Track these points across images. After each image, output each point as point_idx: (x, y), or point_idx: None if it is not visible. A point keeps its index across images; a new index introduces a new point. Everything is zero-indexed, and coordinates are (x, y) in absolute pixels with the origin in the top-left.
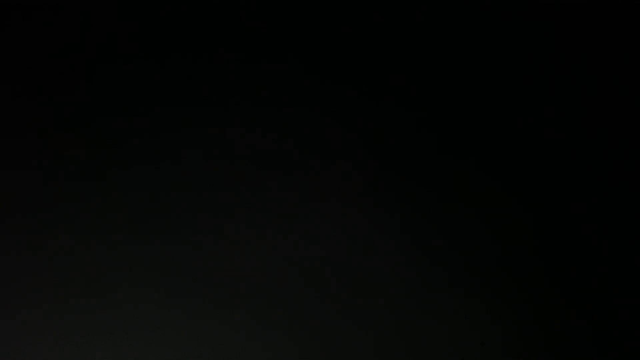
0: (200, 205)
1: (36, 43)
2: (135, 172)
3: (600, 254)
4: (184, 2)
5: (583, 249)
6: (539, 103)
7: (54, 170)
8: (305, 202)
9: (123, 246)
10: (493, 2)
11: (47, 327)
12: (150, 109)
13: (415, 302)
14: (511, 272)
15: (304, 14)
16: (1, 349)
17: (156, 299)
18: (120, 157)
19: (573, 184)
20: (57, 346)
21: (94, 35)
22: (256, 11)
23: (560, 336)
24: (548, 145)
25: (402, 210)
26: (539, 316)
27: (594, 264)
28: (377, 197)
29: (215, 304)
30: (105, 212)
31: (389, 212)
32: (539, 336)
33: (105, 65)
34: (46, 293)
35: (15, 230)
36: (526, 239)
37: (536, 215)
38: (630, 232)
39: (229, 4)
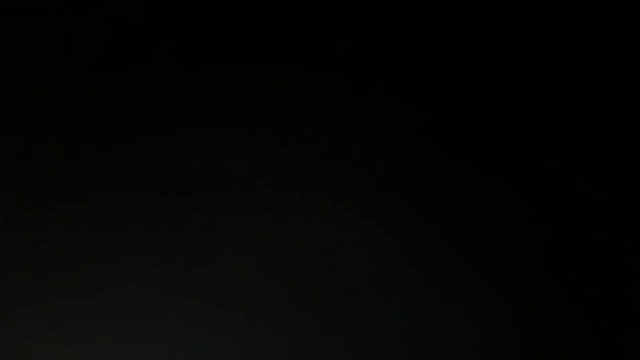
0: (201, 206)
1: (37, 43)
2: (135, 173)
3: (600, 254)
4: (184, 2)
5: (583, 249)
6: (540, 103)
7: (55, 170)
8: (306, 203)
9: (123, 246)
10: (493, 2)
11: (47, 328)
12: (151, 110)
13: (416, 302)
14: (512, 272)
15: (305, 14)
16: (1, 349)
17: (156, 300)
18: (121, 157)
19: (573, 183)
20: (58, 346)
21: (94, 35)
22: (256, 11)
23: (561, 337)
24: (549, 146)
25: (403, 210)
26: (541, 317)
27: (594, 264)
28: (378, 197)
29: (215, 304)
30: (106, 212)
31: (390, 212)
32: (540, 337)
33: (105, 65)
34: (46, 293)
35: (16, 230)
36: (527, 239)
37: (537, 215)
38: (630, 231)
39: (229, 4)
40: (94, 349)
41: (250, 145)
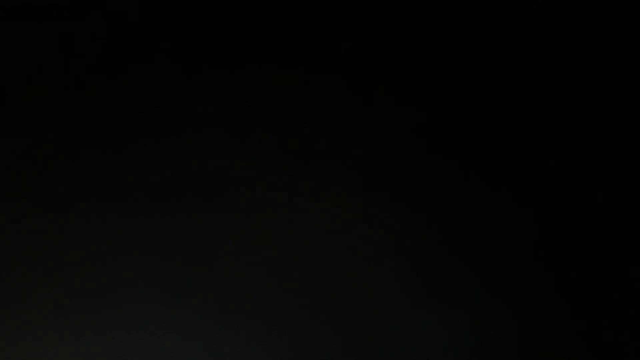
0: (201, 206)
1: (37, 43)
2: (135, 173)
3: (600, 254)
4: (184, 2)
5: (583, 249)
6: (540, 103)
7: (55, 170)
8: (306, 203)
9: (123, 246)
10: (493, 2)
11: (47, 328)
12: (151, 110)
13: (415, 302)
14: (512, 272)
15: (305, 14)
16: (2, 348)
17: (156, 300)
18: (121, 157)
19: (573, 183)
20: (58, 346)
21: (94, 35)
22: (256, 11)
23: (561, 337)
24: (549, 146)
25: (403, 210)
26: (540, 317)
27: (594, 264)
28: (378, 197)
29: (215, 304)
30: (106, 212)
31: (390, 212)
32: (540, 337)
33: (105, 65)
34: (46, 293)
35: (16, 230)
36: (527, 239)
37: (537, 215)
38: (630, 231)
39: (229, 4)
40: (94, 349)
41: (250, 145)
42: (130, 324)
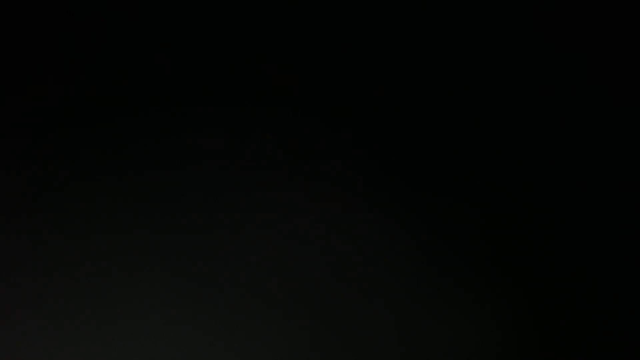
0: (200, 206)
1: (37, 43)
2: (135, 173)
3: (600, 254)
4: (184, 2)
5: (583, 249)
6: (540, 103)
7: (55, 170)
8: (306, 203)
9: (123, 246)
10: (493, 2)
11: (47, 328)
12: (151, 110)
13: (415, 302)
14: (512, 272)
15: (305, 14)
16: (2, 348)
17: (156, 300)
18: (121, 157)
19: (573, 183)
20: (58, 346)
21: (94, 35)
22: (256, 11)
23: (561, 337)
24: (549, 146)
25: (403, 210)
26: (540, 317)
27: (594, 264)
28: (378, 197)
29: (215, 305)
30: (105, 212)
31: (389, 212)
32: (540, 337)
33: (105, 65)
34: (46, 293)
35: (16, 230)
36: (527, 239)
37: (537, 215)
38: (630, 231)
39: (229, 4)
40: (94, 349)
41: (250, 145)
42: (130, 324)
